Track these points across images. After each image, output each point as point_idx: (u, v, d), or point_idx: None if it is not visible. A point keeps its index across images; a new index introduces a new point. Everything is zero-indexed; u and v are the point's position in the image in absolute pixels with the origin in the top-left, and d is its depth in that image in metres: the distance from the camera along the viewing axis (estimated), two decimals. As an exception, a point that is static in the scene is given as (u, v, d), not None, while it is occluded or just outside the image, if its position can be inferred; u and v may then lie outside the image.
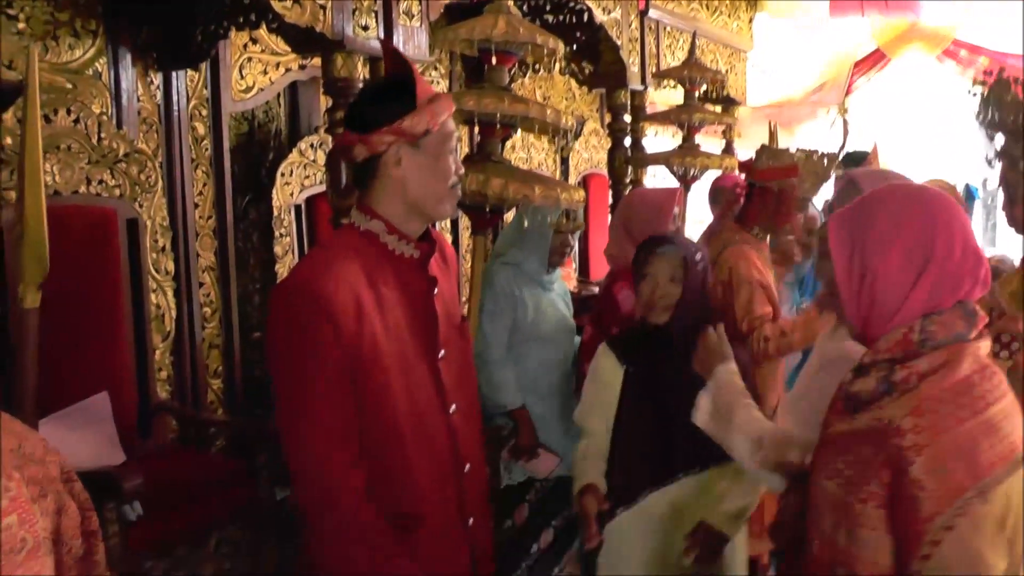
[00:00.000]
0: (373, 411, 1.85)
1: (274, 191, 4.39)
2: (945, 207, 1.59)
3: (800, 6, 6.75)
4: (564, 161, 6.72)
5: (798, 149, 3.44)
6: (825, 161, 3.38)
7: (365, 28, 3.33)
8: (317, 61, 4.38)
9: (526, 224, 3.37)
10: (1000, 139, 3.15)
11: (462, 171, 2.00)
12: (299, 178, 4.52)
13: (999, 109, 3.14)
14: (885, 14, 6.86)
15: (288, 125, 4.78)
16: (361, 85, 3.35)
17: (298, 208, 4.55)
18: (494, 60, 3.35)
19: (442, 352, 1.98)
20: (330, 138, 4.61)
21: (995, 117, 3.14)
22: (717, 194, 4.91)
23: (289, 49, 4.19)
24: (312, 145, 4.58)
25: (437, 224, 2.53)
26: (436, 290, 1.99)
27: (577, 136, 6.47)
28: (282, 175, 4.43)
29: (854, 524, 1.50)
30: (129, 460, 3.37)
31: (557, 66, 5.14)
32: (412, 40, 3.54)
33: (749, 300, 3.19)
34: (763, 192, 3.36)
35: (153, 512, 3.04)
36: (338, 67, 3.31)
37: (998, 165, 3.14)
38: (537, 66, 3.55)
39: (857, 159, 4.90)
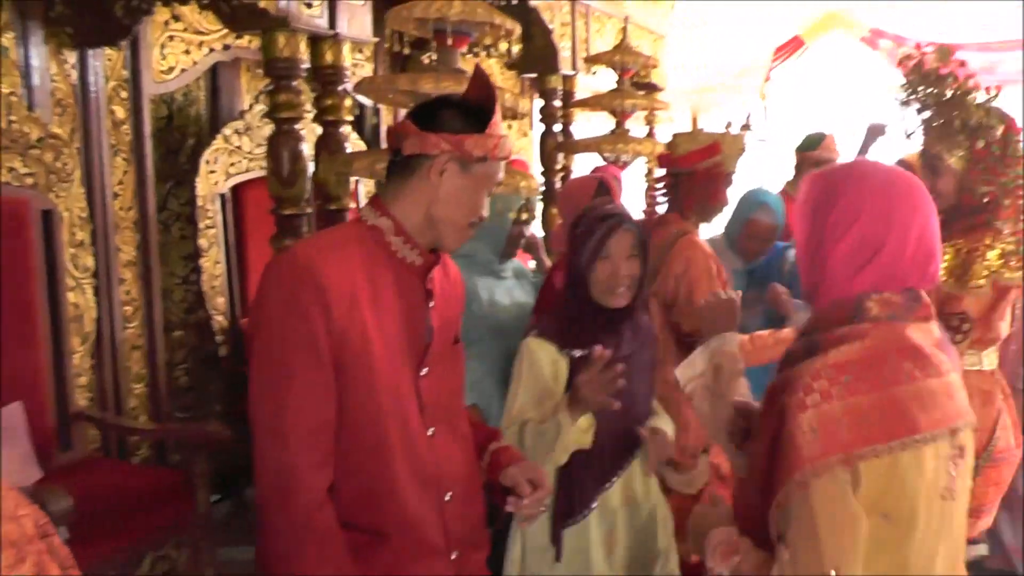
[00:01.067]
0: (357, 411, 1.76)
1: (197, 180, 4.12)
2: (909, 201, 1.61)
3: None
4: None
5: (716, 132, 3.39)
6: (743, 133, 3.31)
7: (309, 6, 3.12)
8: (242, 41, 4.14)
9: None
10: (926, 113, 3.19)
11: (485, 215, 1.92)
12: (224, 166, 4.25)
13: (928, 84, 3.17)
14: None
15: (209, 109, 4.48)
16: (305, 65, 3.15)
17: (223, 198, 4.28)
18: (449, 41, 3.19)
19: (425, 370, 1.87)
20: (256, 123, 4.40)
21: (924, 92, 3.17)
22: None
23: (212, 28, 3.92)
24: (237, 131, 4.32)
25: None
26: (432, 303, 1.89)
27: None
28: (206, 163, 4.16)
29: (752, 467, 1.61)
30: (47, 476, 3.12)
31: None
32: (356, 19, 3.33)
33: (706, 284, 3.06)
34: (690, 177, 3.28)
35: (78, 534, 2.64)
36: (280, 46, 3.08)
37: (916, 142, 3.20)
38: (486, 48, 3.36)
39: (813, 142, 4.86)
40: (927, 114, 3.18)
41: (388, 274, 1.82)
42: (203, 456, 3.19)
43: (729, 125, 3.34)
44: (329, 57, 3.30)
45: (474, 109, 1.85)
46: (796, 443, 1.46)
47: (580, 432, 2.44)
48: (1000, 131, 3.05)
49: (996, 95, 3.12)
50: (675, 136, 3.40)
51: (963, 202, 3.08)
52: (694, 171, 3.27)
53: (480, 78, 1.91)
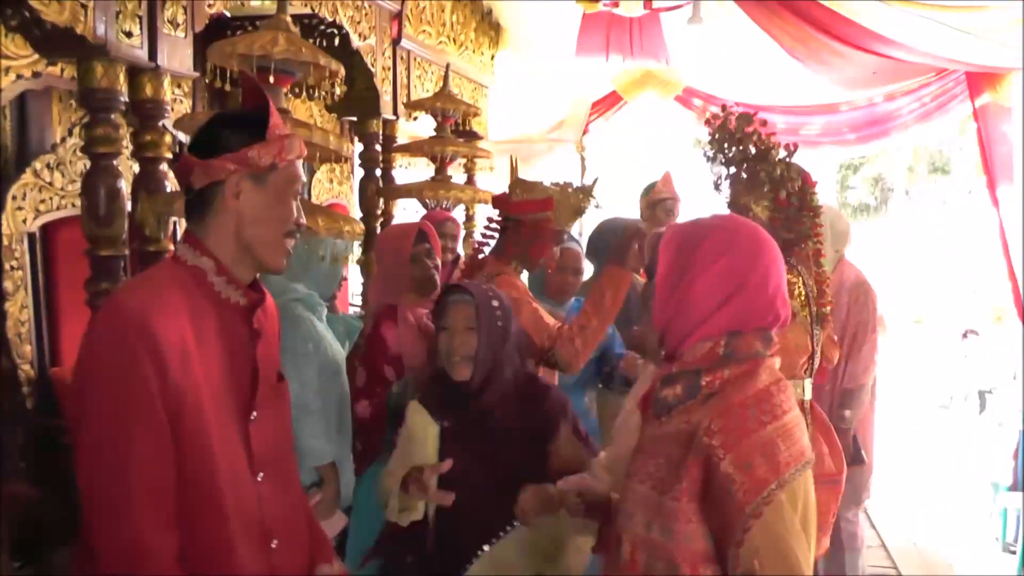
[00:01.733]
0: (192, 469, 1.67)
1: (3, 217, 3.90)
2: (771, 248, 1.76)
3: (543, 47, 6.92)
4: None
5: (552, 183, 3.43)
6: (580, 194, 3.40)
7: (129, 35, 3.02)
8: (54, 69, 3.97)
9: (322, 256, 3.18)
10: (732, 168, 3.42)
11: (303, 221, 1.87)
12: (33, 202, 4.04)
13: (733, 142, 3.40)
14: (629, 59, 7.17)
15: (16, 141, 4.27)
16: (124, 98, 3.06)
17: (32, 237, 4.06)
18: (272, 80, 3.16)
19: (255, 414, 1.82)
20: (70, 157, 4.23)
21: (729, 148, 3.40)
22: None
23: (21, 52, 3.74)
24: (48, 165, 4.12)
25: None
26: (259, 345, 1.84)
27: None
28: (13, 199, 3.94)
29: (669, 520, 1.63)
30: None
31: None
32: (177, 53, 3.26)
33: (536, 318, 3.13)
34: (518, 225, 3.32)
35: None
36: (97, 77, 2.97)
37: (725, 192, 3.43)
38: (308, 89, 3.35)
39: (652, 186, 5.06)
40: (733, 169, 3.41)
41: (212, 317, 1.76)
42: (4, 518, 3.00)
43: (570, 185, 3.39)
44: (149, 91, 3.18)
45: (251, 119, 1.79)
46: (736, 481, 1.57)
47: (408, 510, 2.51)
48: (799, 184, 3.31)
49: (794, 151, 3.38)
50: (515, 180, 3.41)
51: None
52: (523, 220, 3.30)
53: (249, 84, 1.89)
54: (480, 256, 3.42)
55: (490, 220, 3.44)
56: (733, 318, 1.70)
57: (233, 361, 1.79)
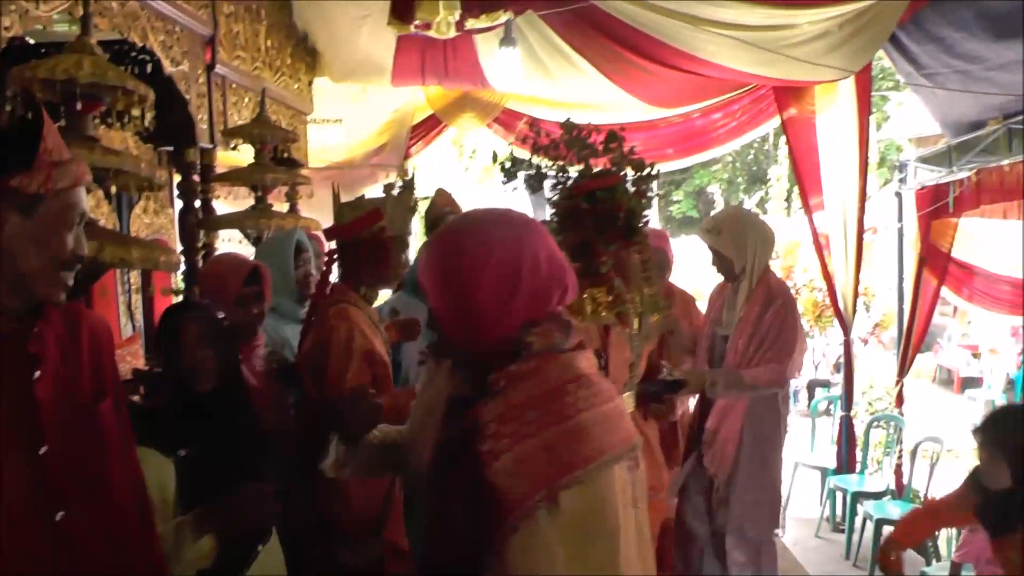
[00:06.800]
0: None
1: None
2: (527, 225, 1.70)
3: (361, 72, 6.87)
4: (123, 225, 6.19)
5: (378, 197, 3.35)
6: (405, 191, 3.30)
7: (-86, 60, 2.83)
8: None
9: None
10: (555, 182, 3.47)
11: (83, 252, 1.73)
12: None
13: (549, 157, 3.44)
14: (446, 86, 7.19)
15: None
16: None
17: None
18: (79, 105, 3.00)
19: (44, 448, 1.66)
20: None
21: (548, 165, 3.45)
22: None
23: None
24: None
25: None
26: (39, 373, 1.67)
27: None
28: None
29: (450, 524, 1.61)
30: None
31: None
32: (-29, 79, 3.06)
33: (343, 371, 3.02)
34: (356, 246, 3.19)
35: None
36: None
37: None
38: (119, 115, 3.19)
39: (427, 210, 5.06)
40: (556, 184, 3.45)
41: None
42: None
43: (391, 187, 3.29)
44: (-64, 118, 2.97)
45: (22, 143, 1.65)
46: (498, 491, 1.49)
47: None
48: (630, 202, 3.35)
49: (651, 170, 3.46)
50: (338, 207, 3.29)
51: None
52: (359, 239, 3.17)
53: (22, 97, 1.79)
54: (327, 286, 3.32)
55: (328, 255, 3.33)
56: (525, 309, 1.63)
57: (6, 393, 1.64)
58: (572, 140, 3.42)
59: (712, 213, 5.15)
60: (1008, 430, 2.99)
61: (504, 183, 3.49)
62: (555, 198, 3.46)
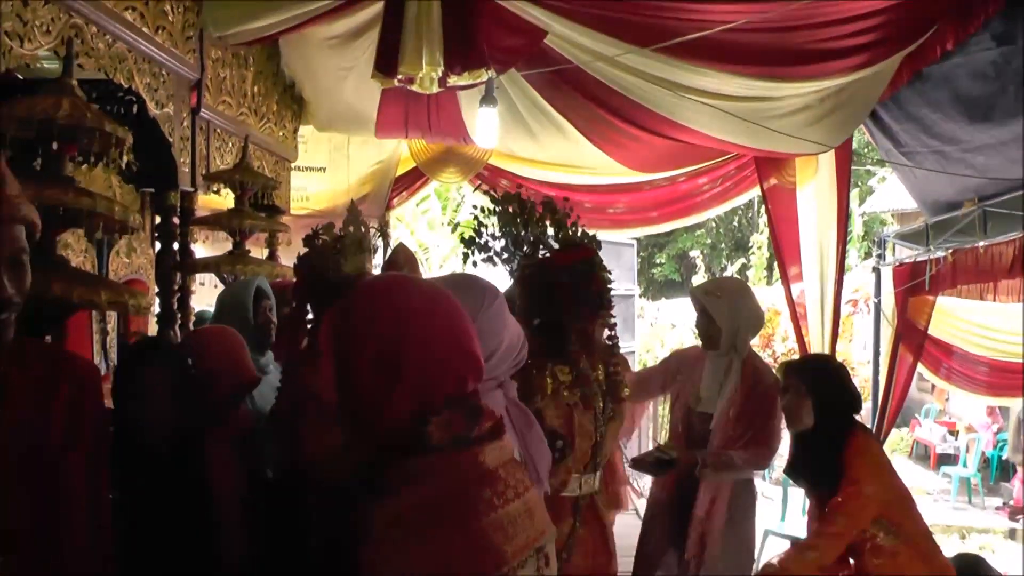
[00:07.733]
0: None
1: None
2: (418, 304, 1.50)
3: (345, 123, 6.91)
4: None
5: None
6: (363, 228, 3.28)
7: None
8: None
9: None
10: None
11: (17, 299, 1.64)
12: None
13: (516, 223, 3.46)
14: (429, 140, 7.23)
15: None
16: None
17: None
18: (55, 146, 3.00)
19: None
20: None
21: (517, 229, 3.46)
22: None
23: None
24: None
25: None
26: None
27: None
28: None
29: None
30: None
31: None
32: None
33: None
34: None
35: None
36: None
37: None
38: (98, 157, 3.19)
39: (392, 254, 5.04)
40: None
41: None
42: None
43: (347, 228, 3.26)
44: (-86, 154, 2.97)
45: None
46: None
47: None
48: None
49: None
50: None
51: None
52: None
53: None
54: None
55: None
56: (411, 400, 1.44)
57: None
58: (503, 214, 3.45)
59: (715, 278, 5.15)
60: (815, 370, 3.45)
61: (464, 260, 3.51)
62: (524, 271, 3.44)
